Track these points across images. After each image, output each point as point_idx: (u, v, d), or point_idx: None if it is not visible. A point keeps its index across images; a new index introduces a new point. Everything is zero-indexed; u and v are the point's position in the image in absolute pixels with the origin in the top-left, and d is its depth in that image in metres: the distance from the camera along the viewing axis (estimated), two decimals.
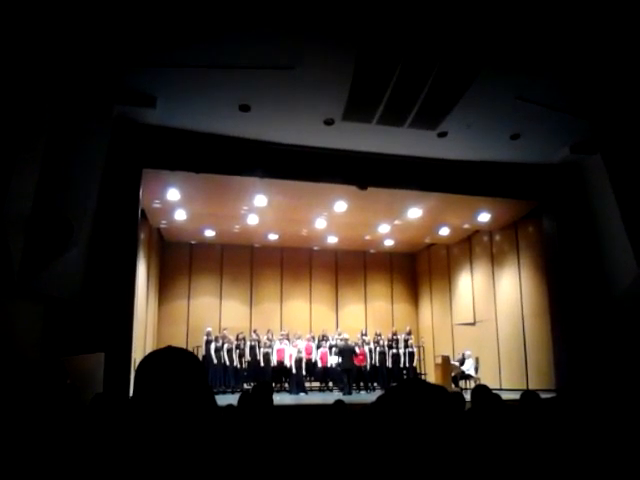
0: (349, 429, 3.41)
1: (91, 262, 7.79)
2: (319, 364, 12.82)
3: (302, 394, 12.00)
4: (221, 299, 14.92)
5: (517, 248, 12.58)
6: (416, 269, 16.75)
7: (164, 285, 14.33)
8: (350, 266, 16.09)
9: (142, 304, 11.01)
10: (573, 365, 9.46)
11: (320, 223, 12.74)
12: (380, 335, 13.55)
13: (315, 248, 15.69)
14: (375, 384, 13.20)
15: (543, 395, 4.24)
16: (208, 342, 12.15)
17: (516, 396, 4.35)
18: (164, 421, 1.13)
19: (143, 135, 8.42)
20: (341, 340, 12.74)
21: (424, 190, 10.14)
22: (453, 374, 12.23)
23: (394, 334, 13.59)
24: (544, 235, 10.94)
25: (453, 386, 11.79)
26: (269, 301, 15.24)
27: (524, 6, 5.90)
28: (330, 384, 13.32)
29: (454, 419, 1.18)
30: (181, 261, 14.71)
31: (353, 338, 13.12)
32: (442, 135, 8.85)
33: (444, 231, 13.39)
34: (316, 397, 11.59)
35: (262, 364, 12.43)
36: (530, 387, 10.93)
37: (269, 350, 12.51)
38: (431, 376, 13.41)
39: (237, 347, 12.53)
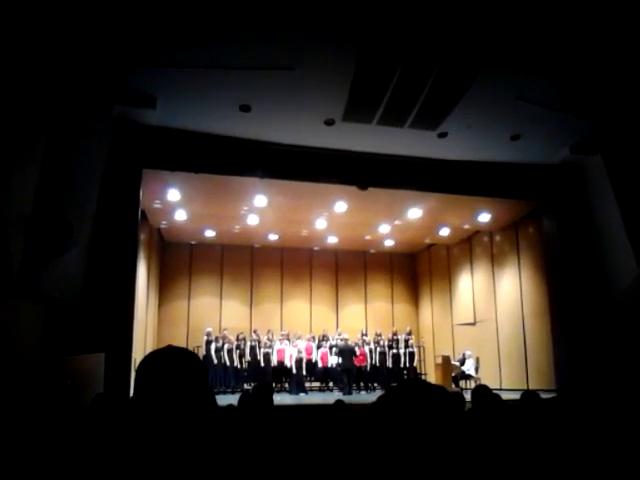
0: (349, 429, 3.41)
1: (91, 262, 7.79)
2: (319, 364, 12.82)
3: (302, 394, 12.00)
4: (221, 299, 14.92)
5: (517, 248, 12.58)
6: (416, 269, 16.75)
7: (164, 285, 14.33)
8: (350, 266, 16.09)
9: (142, 304, 11.01)
10: (573, 365, 9.46)
11: (320, 223, 12.74)
12: (380, 335, 13.55)
13: (315, 248, 15.69)
14: (375, 384, 13.20)
15: (543, 395, 4.24)
16: (208, 342, 12.16)
17: (516, 396, 4.35)
18: (164, 421, 1.13)
19: (143, 135, 8.42)
20: (341, 340, 12.74)
21: (424, 190, 10.14)
22: (453, 374, 12.23)
23: (394, 334, 13.59)
24: (544, 235, 10.94)
25: (453, 386, 11.79)
26: (269, 301, 15.24)
27: (524, 6, 5.90)
28: (330, 384, 13.32)
29: (454, 419, 1.18)
30: (181, 261, 14.71)
31: (353, 338, 13.12)
32: (442, 135, 8.86)
33: (444, 231, 13.39)
34: (316, 397, 11.59)
35: (262, 364, 12.43)
36: (530, 387, 10.93)
37: (269, 350, 12.51)
38: (431, 376, 13.41)
39: (237, 347, 12.53)
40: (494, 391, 4.10)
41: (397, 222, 12.77)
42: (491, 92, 7.63)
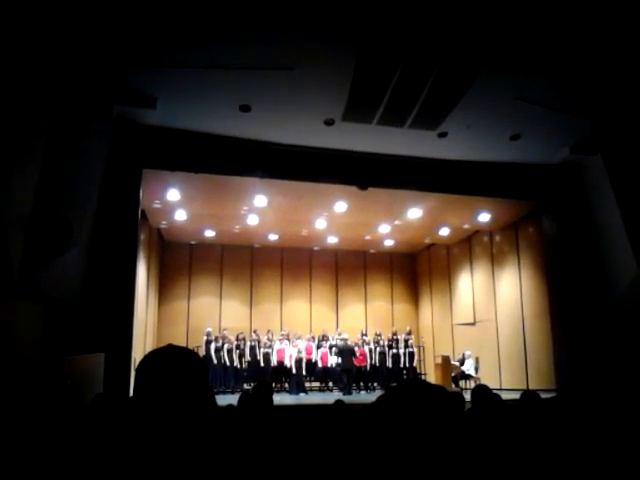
0: (349, 429, 3.41)
1: (91, 262, 7.79)
2: (319, 364, 12.82)
3: (302, 394, 12.00)
4: (221, 299, 14.92)
5: (517, 248, 12.58)
6: (416, 269, 16.75)
7: (164, 285, 14.33)
8: (350, 266, 16.09)
9: (142, 304, 11.01)
10: (573, 365, 9.46)
11: (320, 223, 12.74)
12: (380, 335, 13.55)
13: (315, 248, 15.69)
14: (375, 384, 13.20)
15: (543, 395, 4.24)
16: (208, 342, 12.16)
17: (516, 396, 4.35)
18: (164, 420, 1.13)
19: (143, 135, 8.42)
20: (341, 340, 12.74)
21: (424, 190, 10.14)
22: (453, 374, 12.23)
23: (394, 334, 13.59)
24: (544, 235, 10.94)
25: (453, 386, 11.79)
26: (269, 301, 15.24)
27: (524, 7, 5.90)
28: (330, 384, 13.32)
29: (454, 419, 1.18)
30: (181, 261, 14.71)
31: (353, 338, 13.12)
32: (442, 135, 8.86)
33: (444, 231, 13.39)
34: (316, 397, 11.59)
35: (262, 364, 12.43)
36: (530, 387, 10.92)
37: (269, 350, 12.51)
38: (431, 376, 13.41)
39: (237, 347, 12.52)
40: (494, 391, 4.10)
41: (397, 222, 12.77)
42: (491, 92, 7.63)
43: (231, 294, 15.00)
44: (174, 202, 10.75)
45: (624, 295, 9.19)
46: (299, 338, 13.03)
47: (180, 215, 11.64)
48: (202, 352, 12.00)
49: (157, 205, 10.95)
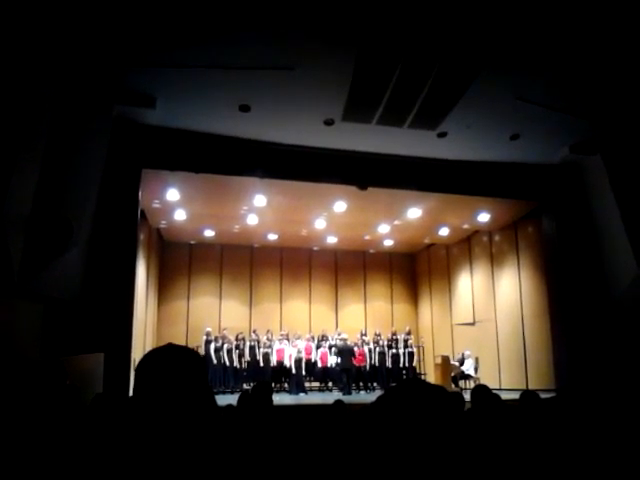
0: (349, 429, 3.42)
1: (91, 262, 7.79)
2: (319, 364, 12.82)
3: (302, 394, 12.00)
4: (221, 299, 14.92)
5: (517, 248, 12.58)
6: (416, 269, 16.75)
7: (164, 285, 14.33)
8: (350, 266, 16.09)
9: (142, 304, 11.01)
10: (573, 365, 9.46)
11: (320, 223, 12.74)
12: (380, 335, 13.55)
13: (315, 248, 15.69)
14: (375, 384, 13.20)
15: (543, 395, 4.24)
16: (208, 342, 12.15)
17: (516, 396, 4.35)
18: (164, 420, 1.13)
19: (143, 135, 8.42)
20: (340, 340, 12.74)
21: (424, 190, 10.14)
22: (453, 374, 12.23)
23: (394, 334, 13.59)
24: (544, 235, 10.94)
25: (453, 386, 11.79)
26: (269, 301, 15.24)
27: (524, 7, 5.90)
28: (330, 384, 13.32)
29: (454, 419, 1.19)
30: (181, 261, 14.70)
31: (353, 338, 13.12)
32: (442, 135, 8.86)
33: (444, 231, 13.40)
34: (316, 397, 11.59)
35: (262, 364, 12.42)
36: (530, 387, 10.92)
37: (269, 350, 12.51)
38: (431, 376, 13.42)
39: (237, 347, 12.52)
40: (493, 391, 4.10)
41: (396, 222, 12.77)
42: (491, 92, 7.63)
43: (231, 294, 14.99)
44: (174, 202, 10.74)
45: (624, 295, 9.19)
46: (299, 338, 13.03)
47: (180, 215, 11.64)
48: (202, 352, 11.98)
49: (157, 205, 10.95)
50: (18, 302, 6.60)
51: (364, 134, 8.78)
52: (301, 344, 12.72)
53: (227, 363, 12.15)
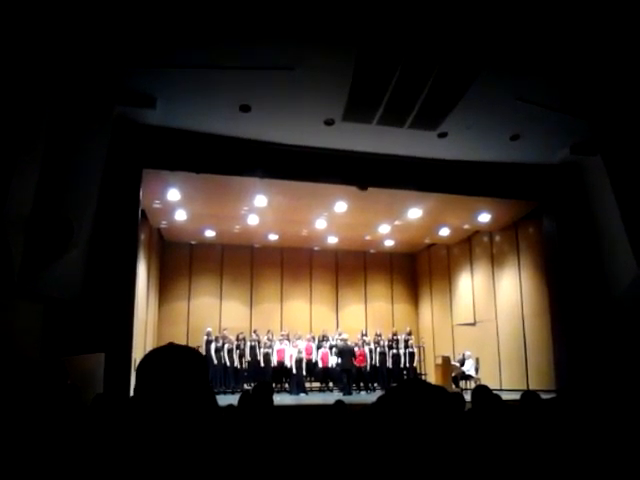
0: (349, 430, 3.41)
1: (91, 262, 7.79)
2: (320, 365, 12.82)
3: (302, 394, 12.00)
4: (221, 299, 14.92)
5: (517, 248, 12.58)
6: (416, 269, 16.75)
7: (164, 285, 14.33)
8: (350, 266, 16.09)
9: (142, 304, 11.01)
10: (573, 365, 9.46)
11: (320, 223, 12.74)
12: (380, 335, 13.55)
13: (315, 248, 15.69)
14: (375, 384, 13.19)
15: (543, 395, 4.24)
16: (208, 342, 12.15)
17: (516, 396, 4.35)
18: (165, 420, 1.13)
19: (143, 135, 8.42)
20: (341, 340, 12.74)
21: (424, 190, 10.14)
22: (453, 374, 12.23)
23: (394, 334, 13.58)
24: (544, 235, 10.94)
25: (453, 386, 11.79)
26: (269, 301, 15.24)
27: (523, 8, 5.90)
28: (330, 384, 13.32)
29: (454, 420, 1.18)
30: (181, 261, 14.71)
31: (353, 338, 13.12)
32: (442, 136, 8.86)
33: (444, 231, 13.40)
34: (316, 397, 11.59)
35: (262, 364, 12.42)
36: (530, 387, 10.93)
37: (269, 350, 12.51)
38: (431, 376, 13.41)
39: (237, 347, 12.52)
40: (494, 391, 4.10)
41: (397, 222, 12.77)
42: (491, 92, 7.63)
43: (231, 294, 15.00)
44: (174, 202, 10.75)
45: (624, 295, 9.19)
46: (299, 338, 13.02)
47: (180, 215, 11.65)
48: (202, 352, 11.99)
49: (157, 205, 10.96)
50: (19, 302, 6.61)
51: (364, 134, 8.79)
52: (302, 344, 12.72)
53: (228, 363, 12.15)
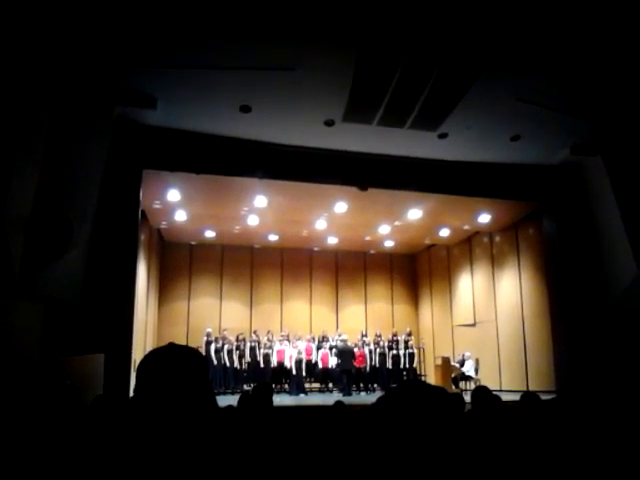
0: (349, 430, 3.41)
1: (91, 263, 7.79)
2: (320, 365, 12.82)
3: (302, 395, 12.00)
4: (221, 300, 14.92)
5: (517, 249, 12.58)
6: (416, 270, 16.75)
7: (164, 286, 14.33)
8: (350, 267, 16.09)
9: (142, 305, 11.01)
10: (573, 366, 9.46)
11: (320, 224, 12.75)
12: (380, 336, 13.55)
13: (315, 249, 15.70)
14: (375, 385, 13.19)
15: (543, 396, 4.24)
16: (208, 343, 12.15)
17: (516, 397, 4.35)
18: (165, 421, 1.13)
19: (144, 136, 8.43)
20: (340, 341, 12.74)
21: (424, 191, 10.14)
22: (453, 375, 12.23)
23: (394, 335, 13.59)
24: (544, 236, 10.94)
25: (453, 387, 11.79)
26: (269, 302, 15.24)
27: (523, 9, 5.90)
28: (330, 385, 13.32)
29: (454, 420, 1.18)
30: (181, 262, 14.71)
31: (353, 339, 13.12)
32: (442, 136, 8.86)
33: (444, 232, 13.40)
34: (316, 398, 11.59)
35: (262, 365, 12.43)
36: (530, 388, 10.92)
37: (269, 351, 12.51)
38: (431, 377, 13.41)
39: (237, 348, 12.52)
40: (494, 392, 4.10)
41: (397, 223, 12.77)
42: (491, 93, 7.63)
43: (231, 295, 15.00)
44: (174, 202, 10.75)
45: (624, 295, 9.19)
46: (299, 339, 13.03)
47: (180, 215, 11.65)
48: (202, 353, 12.00)
49: (157, 205, 10.96)
50: (19, 302, 6.61)
51: (365, 135, 8.79)
52: (301, 345, 12.72)
53: (227, 364, 12.15)
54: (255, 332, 13.15)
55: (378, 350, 13.16)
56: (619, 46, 6.56)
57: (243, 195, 10.52)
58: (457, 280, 14.73)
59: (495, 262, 13.30)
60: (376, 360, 13.05)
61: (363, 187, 9.76)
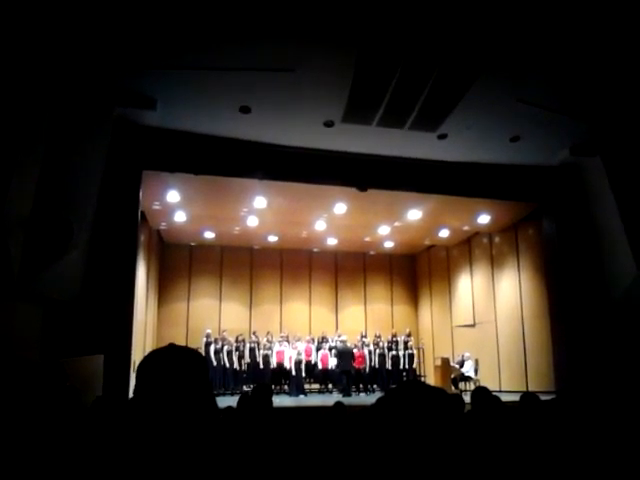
0: (349, 431, 3.41)
1: (91, 264, 7.78)
2: (319, 366, 12.81)
3: (302, 396, 11.99)
4: (221, 301, 14.92)
5: (517, 250, 12.58)
6: (416, 271, 16.75)
7: (164, 287, 14.32)
8: (350, 268, 16.09)
9: (142, 306, 11.00)
10: (573, 367, 9.46)
11: (320, 225, 12.75)
12: (380, 337, 13.55)
13: (315, 250, 15.69)
14: (375, 386, 13.19)
15: (543, 397, 4.24)
16: (207, 344, 12.15)
17: (516, 398, 4.35)
18: (165, 422, 1.12)
19: (143, 137, 8.42)
20: (340, 342, 12.74)
21: (424, 192, 10.14)
22: (453, 376, 12.22)
23: (394, 336, 13.58)
24: (544, 237, 10.94)
25: (453, 388, 11.79)
26: (269, 303, 15.24)
27: (523, 9, 5.91)
28: (330, 386, 13.31)
29: (453, 421, 1.18)
30: (181, 263, 14.70)
31: (353, 340, 13.12)
32: (442, 137, 8.87)
33: (444, 233, 13.40)
34: (316, 399, 11.58)
35: (261, 366, 12.42)
36: (530, 389, 10.91)
37: (269, 352, 12.50)
38: (431, 378, 13.40)
39: (237, 349, 12.52)
40: (493, 393, 4.10)
41: (397, 223, 12.77)
42: (491, 94, 7.64)
43: (231, 296, 14.99)
44: (174, 203, 10.75)
45: (624, 296, 9.19)
46: (299, 340, 13.02)
47: (180, 216, 11.64)
48: (202, 354, 11.97)
49: (157, 206, 10.96)
50: (18, 304, 6.60)
51: (364, 136, 8.79)
52: (301, 346, 12.72)
53: (227, 365, 12.15)
54: (254, 333, 13.14)
55: (378, 351, 13.16)
56: (618, 47, 6.57)
57: (243, 196, 10.51)
58: (457, 281, 14.73)
59: (495, 263, 13.30)
60: (376, 361, 13.05)
61: (363, 188, 9.76)
